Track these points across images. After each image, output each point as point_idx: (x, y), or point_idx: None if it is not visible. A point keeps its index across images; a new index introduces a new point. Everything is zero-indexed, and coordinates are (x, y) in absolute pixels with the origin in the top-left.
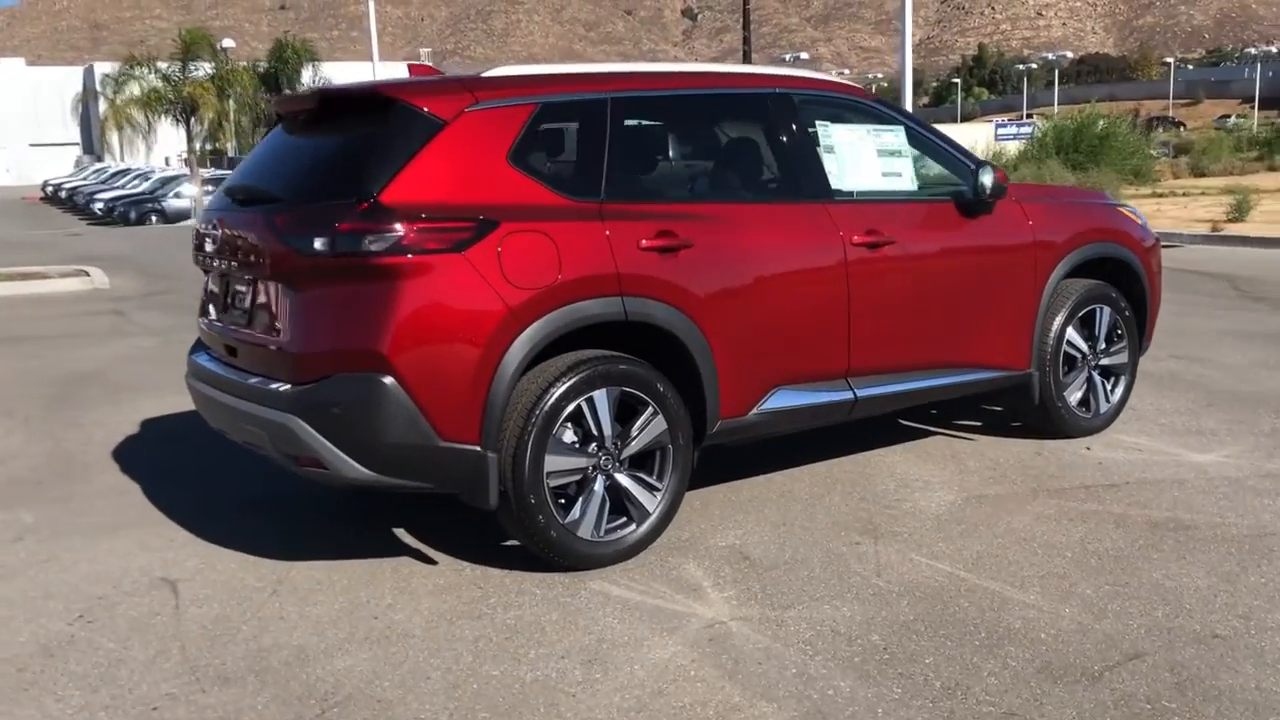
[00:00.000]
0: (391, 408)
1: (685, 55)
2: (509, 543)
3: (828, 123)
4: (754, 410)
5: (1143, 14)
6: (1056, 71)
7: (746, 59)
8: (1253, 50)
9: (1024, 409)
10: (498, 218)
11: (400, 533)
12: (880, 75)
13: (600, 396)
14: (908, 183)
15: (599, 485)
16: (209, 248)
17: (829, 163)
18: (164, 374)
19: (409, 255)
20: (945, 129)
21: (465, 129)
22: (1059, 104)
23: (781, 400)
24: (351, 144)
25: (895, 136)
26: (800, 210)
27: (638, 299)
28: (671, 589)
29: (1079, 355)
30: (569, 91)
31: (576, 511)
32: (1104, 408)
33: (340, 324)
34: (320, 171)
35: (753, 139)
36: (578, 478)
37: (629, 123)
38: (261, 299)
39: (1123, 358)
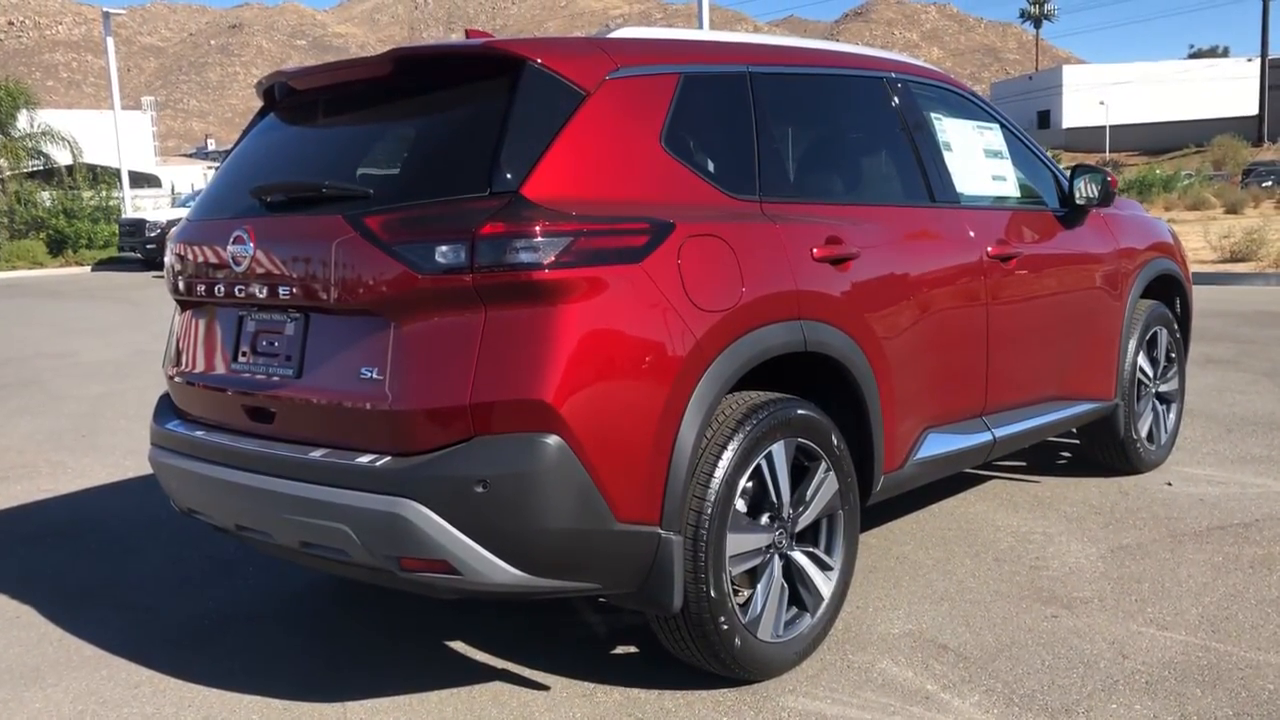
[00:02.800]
0: (562, 480)
1: None
2: (621, 649)
3: (942, 117)
4: (910, 461)
5: None
6: None
7: None
8: None
9: (1102, 444)
10: (670, 218)
11: (459, 646)
12: None
13: (778, 452)
14: (1012, 187)
15: (777, 569)
16: (213, 271)
17: (950, 162)
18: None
19: (577, 268)
20: None
21: (609, 102)
22: None
23: (932, 447)
24: (458, 121)
25: (995, 135)
26: (942, 215)
27: (815, 324)
28: (892, 698)
29: (1146, 382)
30: (708, 62)
31: (757, 605)
32: (1163, 439)
33: (480, 367)
34: (418, 159)
35: (892, 130)
36: (756, 561)
37: (774, 103)
38: (331, 337)
39: (1175, 384)
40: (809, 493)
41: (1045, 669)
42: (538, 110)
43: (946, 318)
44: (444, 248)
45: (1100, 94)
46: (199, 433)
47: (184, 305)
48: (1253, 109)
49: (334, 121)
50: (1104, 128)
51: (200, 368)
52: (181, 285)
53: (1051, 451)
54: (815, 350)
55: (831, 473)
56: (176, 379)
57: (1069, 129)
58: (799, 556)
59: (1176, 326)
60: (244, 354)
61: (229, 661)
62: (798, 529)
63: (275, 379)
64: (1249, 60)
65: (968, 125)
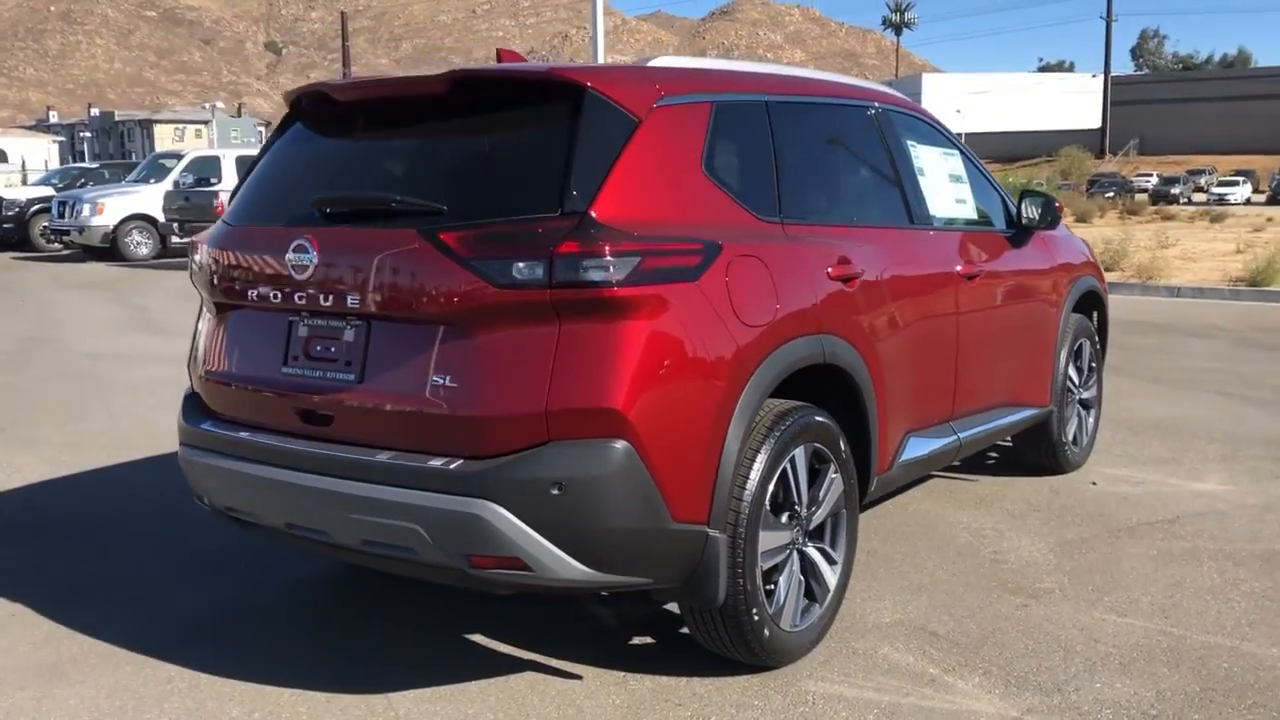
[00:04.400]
0: (629, 482)
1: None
2: (637, 640)
3: (915, 144)
4: (895, 463)
5: None
6: None
7: None
8: None
9: (1035, 446)
10: (717, 239)
11: (480, 639)
12: None
13: (800, 455)
14: (971, 209)
15: (796, 564)
16: (266, 277)
17: (924, 186)
18: None
19: (644, 286)
20: None
21: (658, 129)
22: None
23: (913, 450)
24: (523, 143)
25: (956, 161)
26: (922, 236)
27: (830, 337)
28: (902, 680)
29: (1072, 389)
30: (735, 91)
31: (779, 597)
32: (1085, 441)
33: (555, 376)
34: (486, 178)
35: (881, 156)
36: (781, 557)
37: (787, 131)
38: (398, 344)
39: (1094, 391)
40: (821, 493)
41: (1030, 653)
42: (600, 136)
43: (927, 330)
44: (522, 264)
45: (957, 102)
46: (243, 433)
47: (220, 307)
48: (1096, 122)
49: (383, 136)
50: (961, 135)
51: (241, 369)
52: (221, 288)
53: (981, 453)
54: (830, 362)
55: (839, 474)
56: (210, 379)
57: None
58: (812, 552)
59: (1097, 339)
60: (295, 358)
61: (252, 656)
62: (811, 527)
63: (334, 383)
64: (1094, 76)
65: (935, 151)
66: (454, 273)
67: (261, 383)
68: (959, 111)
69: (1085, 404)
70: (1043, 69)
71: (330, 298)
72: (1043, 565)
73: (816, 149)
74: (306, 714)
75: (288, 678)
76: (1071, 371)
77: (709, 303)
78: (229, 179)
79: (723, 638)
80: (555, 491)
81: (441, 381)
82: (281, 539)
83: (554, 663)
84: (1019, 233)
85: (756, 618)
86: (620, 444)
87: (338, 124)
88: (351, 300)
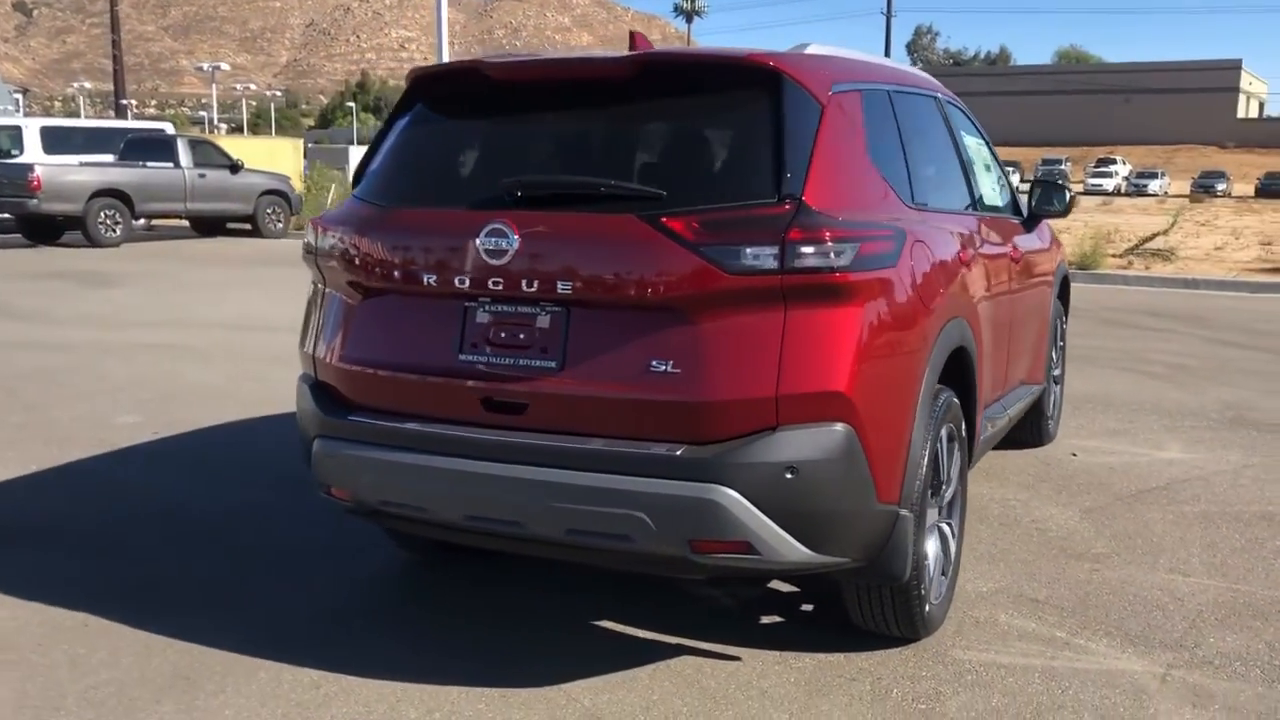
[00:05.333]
0: (851, 465)
1: (21, 54)
2: (768, 619)
3: (964, 134)
4: (979, 440)
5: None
6: None
7: (118, 65)
8: None
9: (1028, 421)
10: (901, 225)
11: (610, 626)
12: (250, 89)
13: (945, 435)
14: (1002, 196)
15: (936, 539)
16: (440, 261)
17: (977, 174)
18: None
19: (861, 271)
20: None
21: (836, 115)
22: None
23: (985, 428)
24: (726, 128)
25: (985, 150)
26: (984, 221)
27: (961, 320)
28: (1039, 644)
29: (1052, 366)
30: (870, 80)
31: (929, 572)
32: (1057, 415)
33: (785, 361)
34: (693, 163)
35: (953, 144)
36: (935, 533)
37: (905, 119)
38: (607, 330)
39: (1062, 368)
40: (953, 471)
41: (1131, 614)
42: (799, 121)
43: (997, 312)
44: (752, 250)
45: None
46: (410, 424)
47: (366, 291)
48: None
49: (559, 118)
50: None
51: (402, 357)
52: (368, 272)
53: None
54: (962, 344)
55: (960, 452)
56: (353, 368)
57: None
58: (944, 527)
59: (1064, 317)
60: (474, 345)
61: (392, 655)
62: (944, 503)
63: (529, 370)
64: None
65: (973, 140)
66: (681, 259)
67: (431, 371)
68: None
69: (1056, 380)
70: None
71: (530, 283)
72: (1084, 532)
73: (923, 137)
74: (487, 711)
75: (446, 675)
76: (1053, 350)
77: (904, 287)
78: (33, 151)
79: (888, 614)
80: (789, 475)
81: (662, 367)
82: (441, 534)
83: (700, 645)
84: (1030, 219)
85: (922, 592)
86: (843, 427)
87: (496, 104)
88: (553, 286)
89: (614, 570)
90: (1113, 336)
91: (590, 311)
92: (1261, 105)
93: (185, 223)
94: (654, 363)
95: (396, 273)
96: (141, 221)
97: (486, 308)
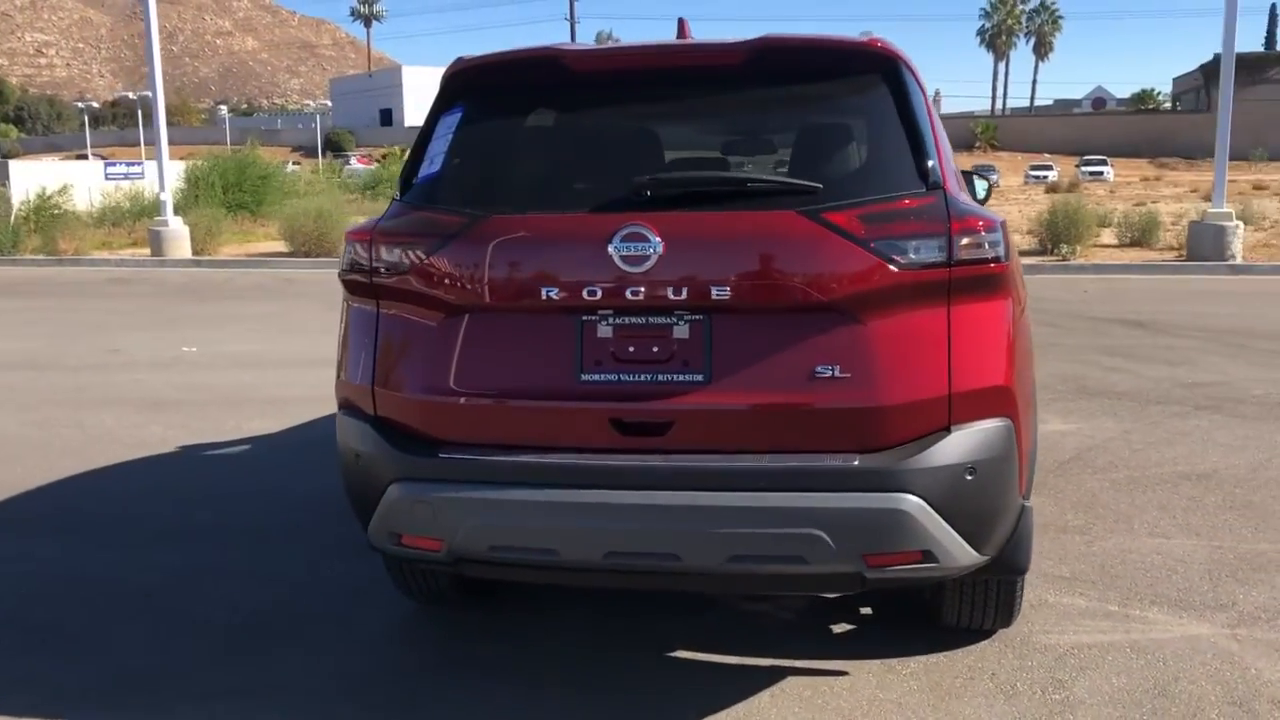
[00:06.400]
0: (1013, 461)
1: None
2: (839, 628)
3: None
4: None
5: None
6: (87, 116)
7: None
8: (265, 102)
9: None
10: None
11: (688, 655)
12: None
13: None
14: None
15: None
16: (557, 272)
17: None
18: None
19: (1006, 263)
20: None
21: (931, 102)
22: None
23: None
24: (848, 115)
25: None
26: None
27: None
28: (1103, 620)
29: None
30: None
31: None
32: None
33: (954, 358)
34: (832, 153)
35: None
36: None
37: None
38: (759, 337)
39: None
40: None
41: (1155, 580)
42: (920, 108)
43: None
44: (921, 242)
45: None
46: (524, 456)
47: (452, 311)
48: None
49: (662, 108)
50: None
51: (504, 382)
52: (454, 288)
53: None
54: None
55: None
56: (440, 399)
57: (411, 127)
58: None
59: None
60: (597, 363)
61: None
62: None
63: (671, 386)
64: None
65: None
66: (849, 255)
67: (545, 394)
68: None
69: None
70: None
71: (676, 290)
72: (1045, 507)
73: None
74: None
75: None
76: None
77: (1018, 276)
78: None
79: (989, 607)
80: (969, 477)
81: (829, 372)
82: (567, 578)
83: (795, 664)
84: None
85: (1020, 582)
86: (1006, 422)
87: (583, 96)
88: (703, 292)
89: (639, 590)
90: None
91: (737, 317)
92: None
93: None
94: (819, 368)
95: (499, 288)
96: None
97: (609, 321)
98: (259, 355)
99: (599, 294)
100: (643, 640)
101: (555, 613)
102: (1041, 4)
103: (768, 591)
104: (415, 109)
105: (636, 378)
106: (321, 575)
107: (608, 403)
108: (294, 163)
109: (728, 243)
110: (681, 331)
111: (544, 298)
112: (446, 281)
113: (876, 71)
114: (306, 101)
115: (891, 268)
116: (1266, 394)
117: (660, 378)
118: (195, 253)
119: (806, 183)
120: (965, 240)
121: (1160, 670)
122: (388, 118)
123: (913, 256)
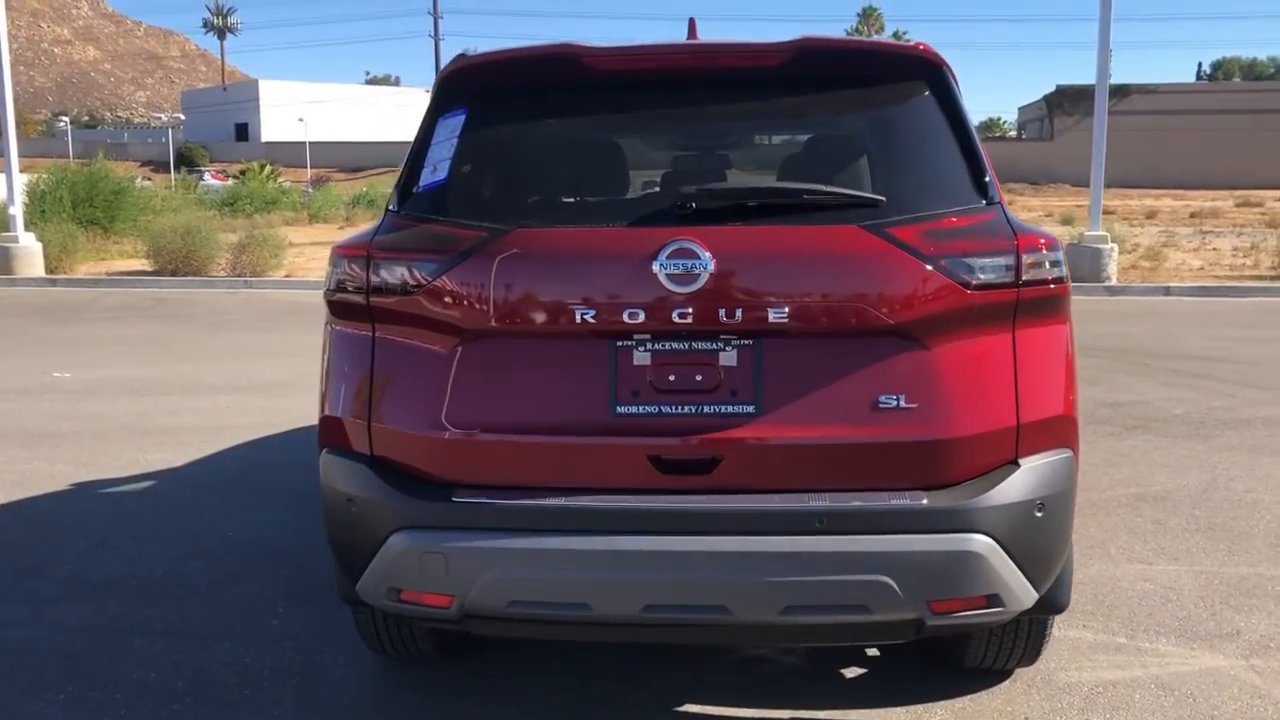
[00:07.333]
0: (1072, 495)
1: None
2: (851, 672)
3: None
4: None
5: None
6: None
7: None
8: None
9: None
10: None
11: (702, 708)
12: None
13: None
14: None
15: None
16: (594, 294)
17: None
18: None
19: (1066, 283)
20: None
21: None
22: None
23: None
24: (898, 123)
25: None
26: None
27: None
28: (1117, 655)
29: None
30: None
31: None
32: None
33: (1021, 385)
34: (888, 163)
35: None
36: None
37: None
38: (816, 363)
39: None
40: None
41: (1155, 609)
42: (964, 116)
43: None
44: (987, 261)
45: (297, 111)
46: (553, 499)
47: (466, 337)
48: None
49: (697, 114)
50: (304, 143)
51: (525, 418)
52: (483, 312)
53: None
54: None
55: None
56: (450, 435)
57: (269, 143)
58: None
59: None
60: (635, 393)
61: None
62: None
63: (717, 419)
64: (426, 90)
65: None
66: (918, 274)
67: (575, 429)
68: (301, 120)
69: None
70: (371, 82)
71: (729, 313)
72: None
73: None
74: None
75: None
76: None
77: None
78: None
79: (1018, 647)
80: (1038, 514)
81: (894, 402)
82: (598, 634)
83: (824, 715)
84: None
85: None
86: (1069, 454)
87: (608, 99)
88: (760, 314)
89: (673, 644)
90: None
91: (789, 342)
92: None
93: None
94: (883, 397)
95: (523, 309)
96: None
97: (647, 346)
98: (143, 381)
99: (641, 316)
100: (647, 695)
101: (543, 662)
102: (895, 35)
103: (811, 642)
104: (273, 124)
105: (678, 410)
106: (267, 627)
107: (646, 437)
108: (145, 178)
109: (784, 260)
110: (729, 358)
111: (576, 321)
112: (461, 302)
113: (924, 78)
114: (155, 115)
115: (961, 288)
116: (1187, 413)
117: (707, 410)
118: (49, 271)
119: (870, 195)
120: (1030, 259)
121: (1192, 708)
122: (243, 132)
123: (981, 276)
